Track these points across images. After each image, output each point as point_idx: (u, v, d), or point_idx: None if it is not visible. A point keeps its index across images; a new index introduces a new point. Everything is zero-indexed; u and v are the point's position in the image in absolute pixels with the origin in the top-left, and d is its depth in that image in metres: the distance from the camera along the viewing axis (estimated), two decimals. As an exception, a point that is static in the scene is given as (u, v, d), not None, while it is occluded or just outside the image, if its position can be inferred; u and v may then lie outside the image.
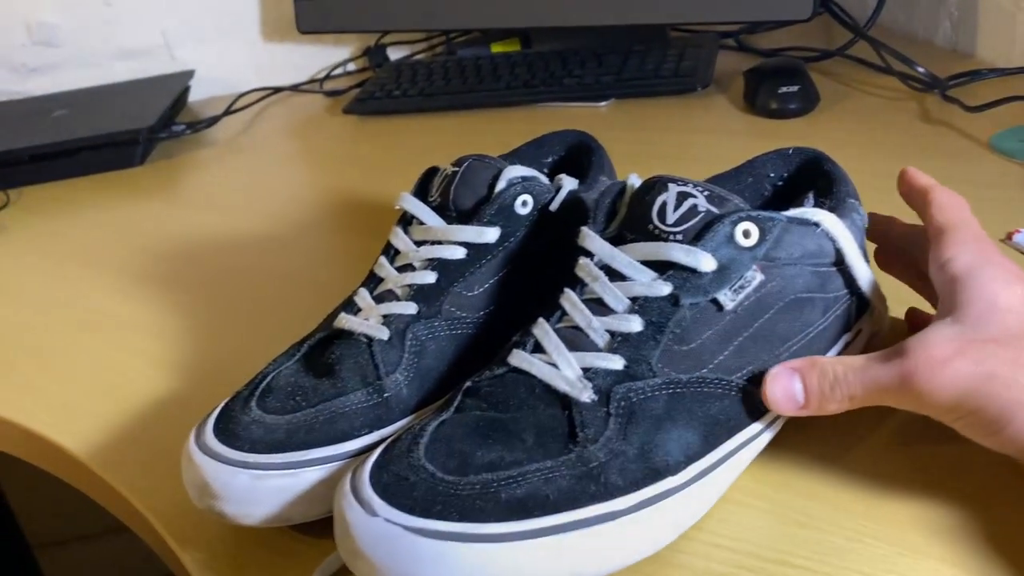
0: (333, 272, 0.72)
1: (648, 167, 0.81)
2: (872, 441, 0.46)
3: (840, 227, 0.43)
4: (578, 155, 0.58)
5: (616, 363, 0.40)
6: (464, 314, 0.47)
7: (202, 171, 0.99)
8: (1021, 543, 0.39)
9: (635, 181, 0.44)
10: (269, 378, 0.46)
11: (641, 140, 0.87)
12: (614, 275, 0.42)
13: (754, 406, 0.42)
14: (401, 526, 0.36)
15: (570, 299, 0.42)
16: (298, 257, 0.75)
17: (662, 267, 0.41)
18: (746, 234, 0.41)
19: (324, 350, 0.47)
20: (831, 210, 0.45)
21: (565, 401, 0.40)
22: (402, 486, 0.37)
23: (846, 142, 0.81)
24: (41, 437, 0.56)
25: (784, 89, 0.88)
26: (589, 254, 0.43)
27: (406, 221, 0.51)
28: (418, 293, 0.47)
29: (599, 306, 0.42)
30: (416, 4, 1.08)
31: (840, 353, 0.46)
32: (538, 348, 0.42)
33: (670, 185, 0.42)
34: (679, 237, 0.41)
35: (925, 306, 0.51)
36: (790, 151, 0.50)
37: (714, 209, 0.41)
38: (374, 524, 0.36)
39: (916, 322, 0.51)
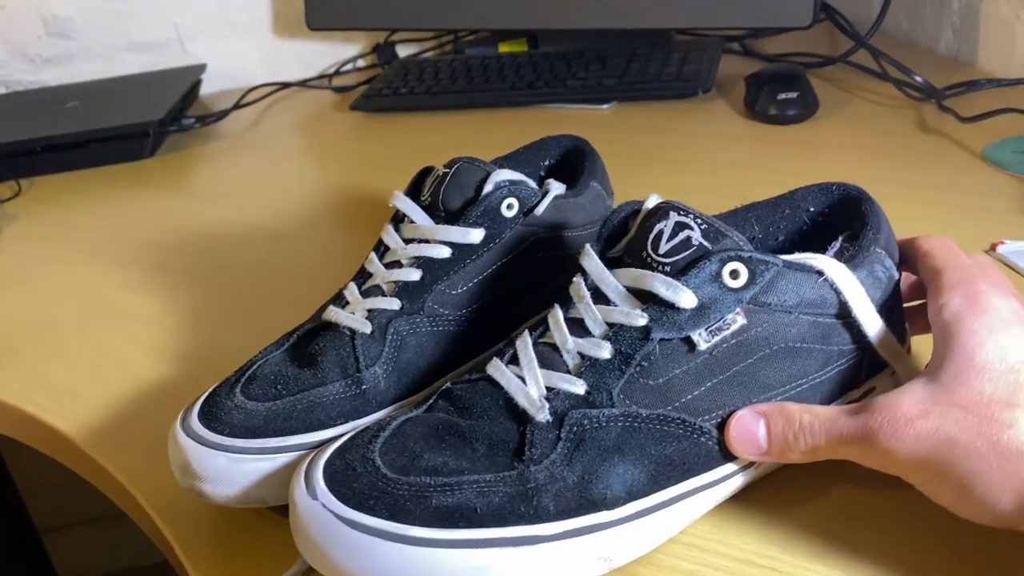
0: (335, 266, 0.72)
1: (648, 170, 0.83)
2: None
3: (847, 278, 0.41)
4: (572, 160, 0.59)
5: (579, 387, 0.39)
6: (447, 312, 0.48)
7: (211, 164, 1.00)
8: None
9: (653, 201, 0.42)
10: (256, 366, 0.47)
11: (642, 143, 0.88)
12: (600, 298, 0.41)
13: (720, 451, 0.40)
14: (333, 513, 0.37)
15: (555, 316, 0.42)
16: (301, 251, 0.77)
17: (645, 296, 0.40)
18: (734, 274, 0.39)
19: (310, 341, 0.48)
20: (851, 257, 0.42)
21: (523, 418, 0.39)
22: (347, 476, 0.38)
23: (842, 148, 0.82)
24: (41, 421, 0.58)
25: (783, 95, 0.88)
26: (585, 273, 0.42)
27: (398, 219, 0.52)
28: (403, 289, 0.48)
29: (579, 327, 0.41)
30: (426, 3, 1.09)
31: None
32: (515, 360, 0.41)
33: (671, 213, 0.40)
34: (666, 268, 0.39)
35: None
36: (833, 186, 0.46)
37: (707, 244, 0.39)
38: (312, 507, 0.37)
39: (914, 320, 0.48)
